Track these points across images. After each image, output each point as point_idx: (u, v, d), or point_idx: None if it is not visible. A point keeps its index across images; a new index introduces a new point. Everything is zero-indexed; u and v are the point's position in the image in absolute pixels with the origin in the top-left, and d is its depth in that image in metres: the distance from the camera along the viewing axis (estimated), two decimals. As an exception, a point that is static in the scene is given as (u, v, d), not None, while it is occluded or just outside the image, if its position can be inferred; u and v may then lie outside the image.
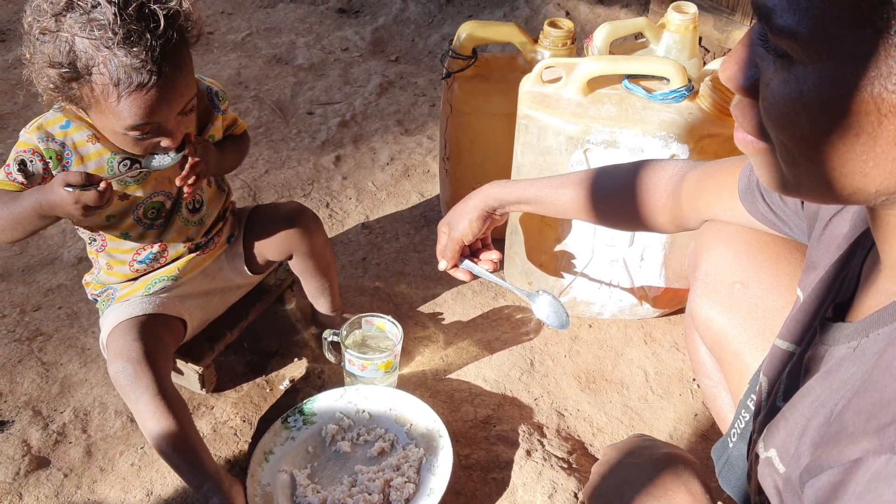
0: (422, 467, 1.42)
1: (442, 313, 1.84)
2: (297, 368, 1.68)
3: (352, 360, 1.54)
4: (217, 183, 1.52)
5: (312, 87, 2.79)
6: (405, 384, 1.63)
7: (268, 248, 1.58)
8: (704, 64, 1.82)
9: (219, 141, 1.47)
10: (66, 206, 1.16)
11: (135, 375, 1.31)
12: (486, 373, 1.68)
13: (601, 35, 1.74)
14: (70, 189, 1.15)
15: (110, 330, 1.40)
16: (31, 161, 1.25)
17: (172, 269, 1.47)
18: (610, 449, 1.04)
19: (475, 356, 1.72)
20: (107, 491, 1.43)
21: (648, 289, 1.74)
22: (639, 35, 1.86)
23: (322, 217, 2.03)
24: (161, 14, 1.14)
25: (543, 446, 1.50)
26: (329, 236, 1.98)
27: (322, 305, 1.70)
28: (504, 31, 1.80)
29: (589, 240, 1.67)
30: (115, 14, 1.11)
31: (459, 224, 1.44)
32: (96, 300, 1.50)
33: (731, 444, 1.00)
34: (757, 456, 0.82)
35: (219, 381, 1.61)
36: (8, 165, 1.24)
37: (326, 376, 1.66)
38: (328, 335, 1.59)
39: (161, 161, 1.29)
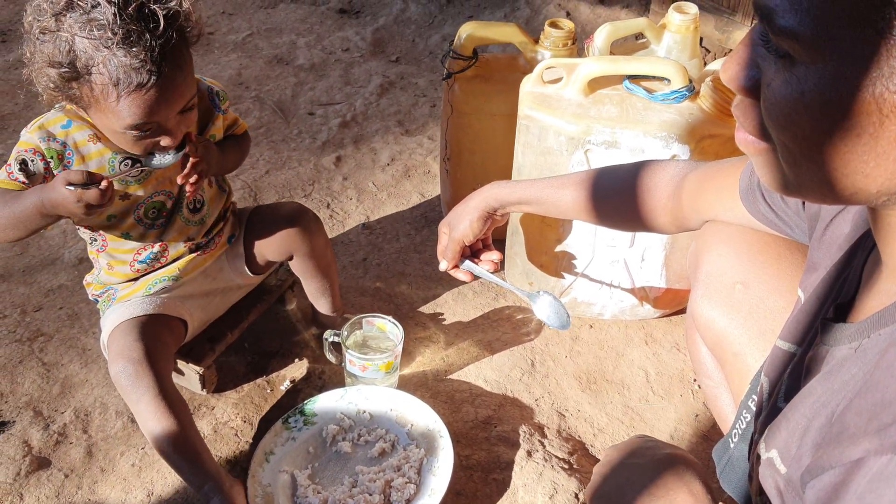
0: (422, 468, 1.42)
1: (443, 314, 1.84)
2: (297, 369, 1.68)
3: (352, 361, 1.54)
4: (218, 183, 1.52)
5: (313, 88, 2.79)
6: (406, 385, 1.63)
7: (268, 249, 1.58)
8: (705, 64, 1.82)
9: (220, 141, 1.47)
10: (68, 204, 1.16)
11: (136, 376, 1.31)
12: (487, 373, 1.68)
13: (602, 35, 1.75)
14: (72, 188, 1.15)
15: (111, 330, 1.40)
16: (33, 161, 1.25)
17: (173, 269, 1.47)
18: (611, 450, 1.04)
19: (476, 357, 1.72)
20: (107, 491, 1.43)
21: (649, 289, 1.73)
22: (639, 35, 1.86)
23: (323, 217, 2.03)
24: (161, 14, 1.14)
25: (544, 447, 1.50)
26: (330, 237, 1.98)
27: (323, 306, 1.70)
28: (505, 32, 1.80)
29: (590, 240, 1.67)
30: (114, 14, 1.11)
31: (460, 224, 1.44)
32: (97, 301, 1.50)
33: (732, 445, 1.00)
34: (758, 456, 0.82)
35: (219, 382, 1.61)
36: (9, 165, 1.24)
37: (327, 377, 1.66)
38: (329, 336, 1.59)
39: (161, 160, 1.29)
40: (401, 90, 2.79)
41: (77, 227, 1.41)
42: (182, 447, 1.32)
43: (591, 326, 1.81)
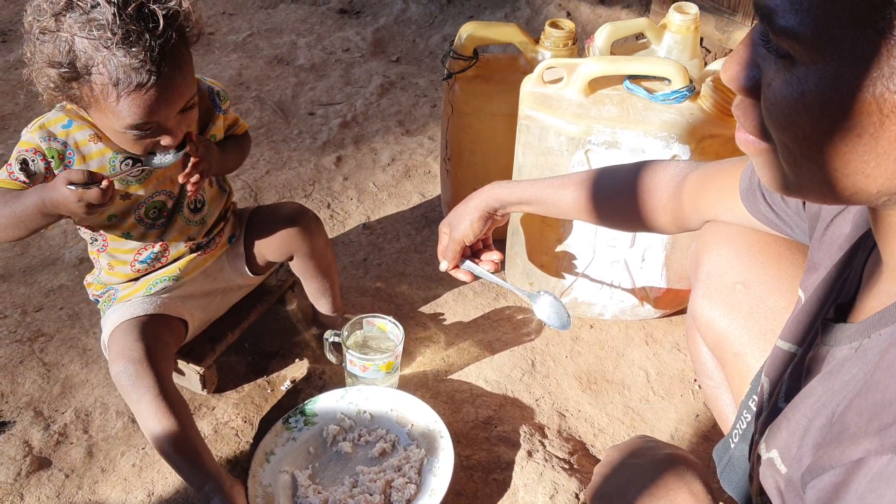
0: (423, 468, 1.42)
1: (443, 314, 1.84)
2: (298, 369, 1.68)
3: (353, 361, 1.54)
4: (218, 183, 1.52)
5: (314, 88, 2.79)
6: (406, 385, 1.63)
7: (268, 249, 1.58)
8: (706, 64, 1.82)
9: (220, 141, 1.47)
10: (69, 204, 1.16)
11: (136, 376, 1.31)
12: (488, 373, 1.68)
13: (602, 36, 1.74)
14: (73, 187, 1.15)
15: (112, 330, 1.40)
16: (34, 160, 1.25)
17: (174, 269, 1.47)
18: (612, 450, 1.04)
19: (476, 357, 1.72)
20: (108, 491, 1.43)
21: (650, 289, 1.73)
22: (640, 35, 1.86)
23: (323, 218, 2.03)
24: (160, 14, 1.14)
25: (545, 447, 1.50)
26: (330, 237, 1.98)
27: (323, 306, 1.71)
28: (505, 32, 1.80)
29: (590, 240, 1.67)
30: (114, 14, 1.11)
31: (460, 225, 1.44)
32: (98, 301, 1.50)
33: (732, 445, 1.00)
34: (759, 457, 0.82)
35: (220, 382, 1.61)
36: (10, 164, 1.24)
37: (327, 377, 1.66)
38: (329, 336, 1.59)
39: (162, 160, 1.29)
40: (401, 90, 2.80)
41: (78, 227, 1.41)
42: (183, 447, 1.32)
43: (592, 326, 1.81)
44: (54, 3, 1.14)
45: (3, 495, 1.40)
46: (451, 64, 1.81)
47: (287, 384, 1.64)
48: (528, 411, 1.59)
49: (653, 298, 1.75)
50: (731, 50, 2.46)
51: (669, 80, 1.53)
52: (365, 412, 1.53)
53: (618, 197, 1.32)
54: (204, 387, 1.57)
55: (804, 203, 0.99)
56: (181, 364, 1.54)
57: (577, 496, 1.39)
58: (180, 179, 1.33)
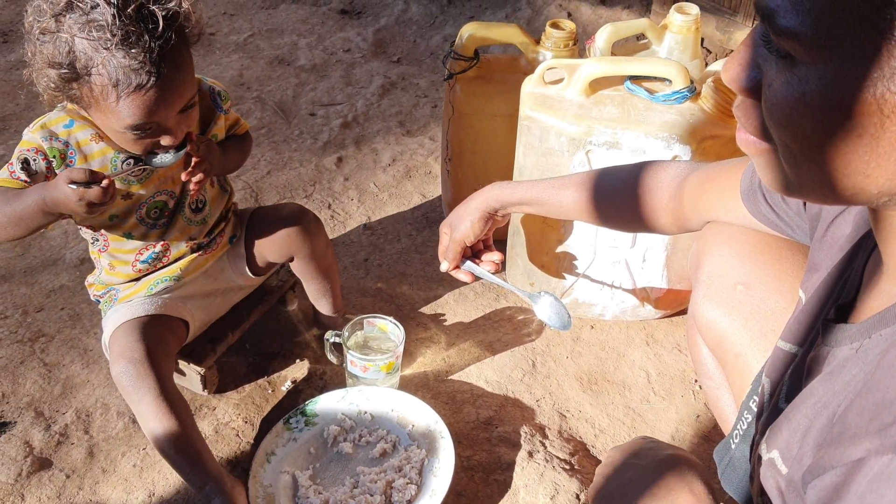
0: (423, 468, 1.42)
1: (444, 314, 1.84)
2: (298, 369, 1.68)
3: (353, 362, 1.54)
4: (220, 183, 1.53)
5: (314, 88, 2.79)
6: (407, 385, 1.63)
7: (269, 250, 1.58)
8: (706, 65, 1.82)
9: (221, 141, 1.47)
10: (70, 202, 1.16)
11: (137, 376, 1.31)
12: (488, 374, 1.68)
13: (603, 36, 1.75)
14: (74, 186, 1.15)
15: (113, 331, 1.40)
16: (35, 160, 1.25)
17: (175, 269, 1.47)
18: (614, 451, 1.05)
19: (477, 357, 1.72)
20: (109, 492, 1.43)
21: (650, 290, 1.73)
22: (641, 36, 1.87)
23: (324, 218, 2.03)
24: (160, 15, 1.14)
25: (545, 447, 1.50)
26: (331, 237, 1.98)
27: (324, 307, 1.71)
28: (506, 33, 1.80)
29: (591, 241, 1.67)
30: (113, 15, 1.11)
31: (461, 225, 1.44)
32: (99, 301, 1.50)
33: (733, 446, 1.00)
34: (759, 457, 0.82)
35: (221, 382, 1.61)
36: (11, 164, 1.25)
37: (328, 377, 1.66)
38: (330, 336, 1.59)
39: (163, 159, 1.29)
40: (402, 91, 2.80)
41: (79, 227, 1.41)
42: (183, 448, 1.32)
43: (593, 327, 1.81)
44: (54, 3, 1.14)
45: (3, 496, 1.40)
46: (452, 64, 1.81)
47: (288, 385, 1.64)
48: (529, 412, 1.59)
49: (653, 299, 1.75)
50: (732, 50, 2.47)
51: (670, 81, 1.53)
52: (366, 413, 1.53)
53: (618, 197, 1.32)
54: (205, 387, 1.57)
55: (805, 204, 0.99)
56: (182, 364, 1.54)
57: (577, 497, 1.39)
58: (183, 177, 1.33)
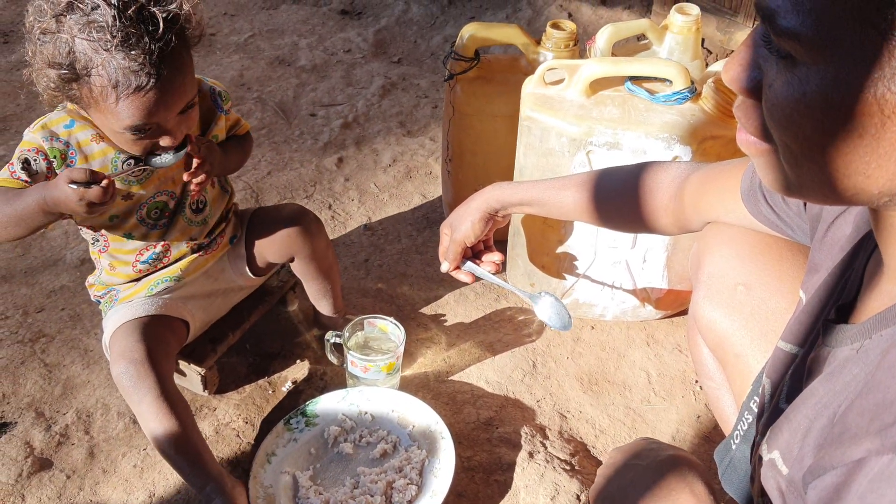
0: (424, 469, 1.42)
1: (444, 315, 1.84)
2: (299, 370, 1.68)
3: (354, 362, 1.54)
4: (220, 183, 1.53)
5: (315, 89, 2.79)
6: (407, 386, 1.63)
7: (269, 251, 1.58)
8: (707, 66, 1.82)
9: (222, 141, 1.47)
10: (70, 202, 1.17)
11: (137, 377, 1.31)
12: (489, 374, 1.68)
13: (604, 37, 1.75)
14: (74, 186, 1.15)
15: (113, 331, 1.40)
16: (35, 160, 1.25)
17: (175, 269, 1.47)
18: (615, 452, 1.05)
19: (477, 358, 1.72)
20: (109, 492, 1.43)
21: (651, 290, 1.73)
22: (641, 37, 1.86)
23: (324, 219, 2.03)
24: (160, 17, 1.14)
25: (546, 448, 1.49)
26: (331, 238, 1.98)
27: (324, 307, 1.71)
28: (506, 33, 1.80)
29: (591, 241, 1.67)
30: (114, 17, 1.11)
31: (462, 226, 1.44)
32: (99, 302, 1.50)
33: (733, 446, 1.00)
34: (760, 458, 0.82)
35: (221, 383, 1.61)
36: (12, 164, 1.25)
37: (329, 378, 1.66)
38: (330, 337, 1.59)
39: (163, 159, 1.29)
40: (402, 91, 2.80)
41: (79, 227, 1.41)
42: (184, 448, 1.32)
43: (593, 327, 1.81)
44: (55, 4, 1.14)
45: (4, 496, 1.40)
46: (453, 65, 1.81)
47: (288, 385, 1.64)
48: (530, 412, 1.59)
49: (654, 299, 1.75)
50: (733, 51, 2.46)
51: (671, 82, 1.53)
52: (366, 413, 1.53)
53: (619, 198, 1.32)
54: (205, 388, 1.57)
55: (805, 204, 0.99)
56: (182, 365, 1.54)
57: (578, 497, 1.39)
58: (185, 178, 1.33)
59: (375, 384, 1.57)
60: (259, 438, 1.51)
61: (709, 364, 1.28)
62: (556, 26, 1.78)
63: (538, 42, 1.80)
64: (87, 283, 1.53)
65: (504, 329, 1.80)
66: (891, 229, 0.66)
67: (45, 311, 1.80)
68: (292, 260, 1.60)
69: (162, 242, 1.44)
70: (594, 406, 1.61)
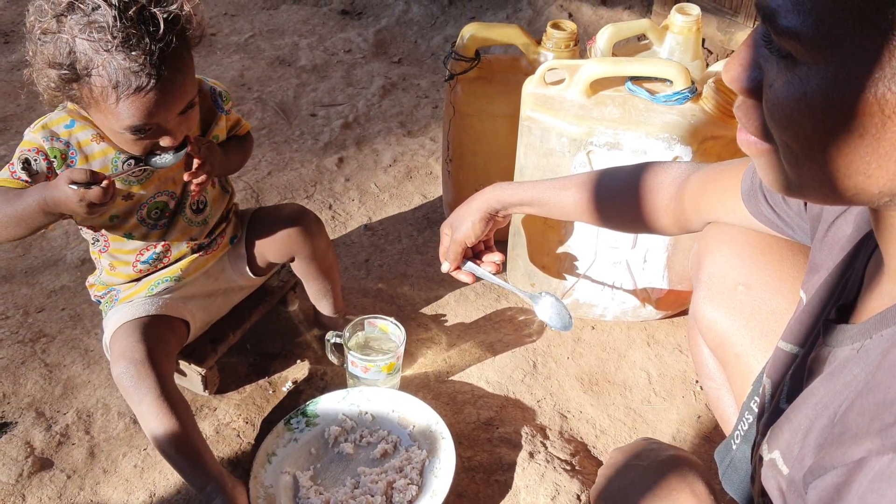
0: (424, 469, 1.42)
1: (444, 315, 1.84)
2: (299, 370, 1.68)
3: (354, 362, 1.54)
4: (221, 184, 1.53)
5: (315, 89, 2.79)
6: (408, 386, 1.63)
7: (270, 250, 1.58)
8: (708, 66, 1.82)
9: (223, 142, 1.47)
10: (71, 203, 1.17)
11: (138, 377, 1.31)
12: (489, 375, 1.68)
13: (604, 37, 1.74)
14: (75, 187, 1.15)
15: (113, 331, 1.40)
16: (36, 160, 1.25)
17: (175, 269, 1.47)
18: (616, 452, 1.05)
19: (478, 358, 1.72)
20: (110, 492, 1.43)
21: (651, 291, 1.73)
22: (642, 37, 1.86)
23: (325, 219, 2.03)
24: (161, 18, 1.14)
25: (546, 448, 1.49)
26: (332, 238, 1.98)
27: (325, 307, 1.71)
28: (507, 33, 1.80)
29: (592, 242, 1.67)
30: (114, 17, 1.11)
31: (462, 226, 1.44)
32: (99, 302, 1.50)
33: (734, 447, 1.00)
34: (760, 458, 0.82)
35: (221, 383, 1.61)
36: (12, 164, 1.25)
37: (329, 378, 1.66)
38: (331, 337, 1.59)
39: (164, 160, 1.30)
40: (403, 91, 2.80)
41: (79, 227, 1.41)
42: (184, 448, 1.32)
43: (593, 328, 1.81)
44: (56, 4, 1.14)
45: (4, 496, 1.40)
46: (453, 65, 1.81)
47: (288, 385, 1.64)
48: (530, 412, 1.59)
49: (654, 300, 1.75)
50: (733, 51, 2.46)
51: (671, 82, 1.53)
52: (366, 413, 1.53)
53: (620, 198, 1.32)
54: (205, 388, 1.57)
55: (806, 204, 0.99)
56: (183, 365, 1.54)
57: (578, 497, 1.39)
58: (185, 178, 1.33)
59: (376, 384, 1.57)
60: (259, 438, 1.51)
61: (709, 364, 1.28)
62: (556, 26, 1.78)
63: (539, 42, 1.80)
64: (87, 283, 1.54)
65: (504, 329, 1.80)
66: (891, 229, 0.66)
67: (45, 311, 1.80)
68: (293, 260, 1.60)
69: (162, 242, 1.44)
70: (595, 406, 1.61)
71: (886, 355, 0.63)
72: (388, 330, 1.61)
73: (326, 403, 1.53)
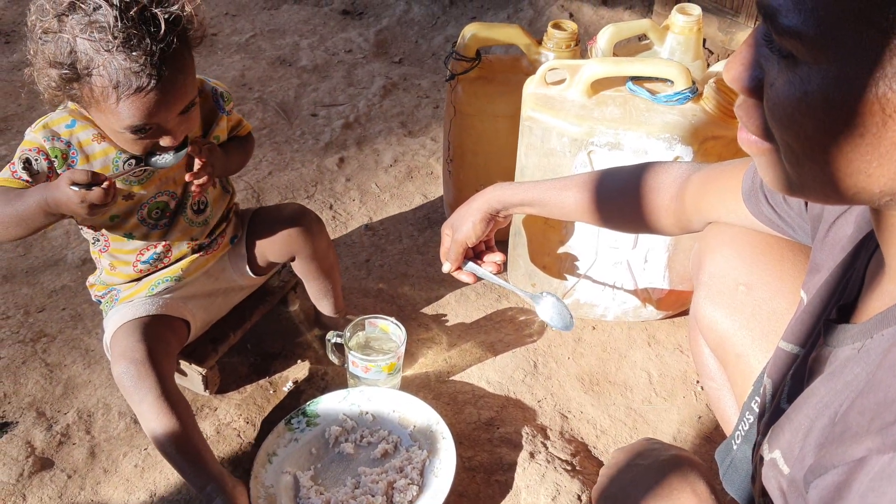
0: (425, 469, 1.42)
1: (445, 315, 1.84)
2: (300, 370, 1.68)
3: (355, 362, 1.54)
4: (222, 184, 1.53)
5: (316, 89, 2.79)
6: (408, 386, 1.63)
7: (270, 250, 1.58)
8: (708, 66, 1.82)
9: (224, 142, 1.47)
10: (72, 204, 1.17)
11: (138, 376, 1.31)
12: (490, 375, 1.68)
13: (605, 37, 1.75)
14: (76, 188, 1.15)
15: (114, 331, 1.40)
16: (37, 160, 1.25)
17: (176, 269, 1.47)
18: (617, 452, 1.05)
19: (478, 358, 1.72)
20: (110, 492, 1.43)
21: (652, 291, 1.73)
22: (643, 37, 1.86)
23: (325, 219, 2.03)
24: (162, 18, 1.14)
25: (547, 448, 1.49)
26: (332, 238, 1.98)
27: (325, 307, 1.71)
28: (508, 33, 1.80)
29: (592, 242, 1.67)
30: (115, 17, 1.11)
31: (463, 226, 1.44)
32: (100, 301, 1.50)
33: (735, 447, 1.00)
34: (761, 458, 0.82)
35: (222, 383, 1.61)
36: (13, 164, 1.25)
37: (330, 378, 1.66)
38: (332, 337, 1.59)
39: (164, 160, 1.30)
40: (404, 91, 2.80)
41: (80, 227, 1.41)
42: (184, 448, 1.32)
43: (594, 328, 1.81)
44: (57, 3, 1.14)
45: (5, 496, 1.40)
46: (454, 65, 1.81)
47: (289, 385, 1.64)
48: (531, 412, 1.59)
49: (655, 300, 1.75)
50: (734, 51, 2.46)
51: (672, 82, 1.53)
52: (367, 413, 1.53)
53: (620, 198, 1.32)
54: (206, 387, 1.57)
55: (806, 204, 0.99)
56: (183, 365, 1.54)
57: (579, 497, 1.39)
58: (187, 178, 1.33)
59: (376, 384, 1.56)
60: (260, 438, 1.51)
61: (710, 364, 1.28)
62: (557, 26, 1.78)
63: (539, 42, 1.80)
64: (87, 283, 1.54)
65: (505, 329, 1.80)
66: (892, 229, 0.66)
67: (46, 311, 1.80)
68: (293, 260, 1.60)
69: (163, 242, 1.44)
70: (595, 406, 1.61)
71: (887, 355, 0.63)
72: (388, 330, 1.61)
73: (327, 403, 1.53)
